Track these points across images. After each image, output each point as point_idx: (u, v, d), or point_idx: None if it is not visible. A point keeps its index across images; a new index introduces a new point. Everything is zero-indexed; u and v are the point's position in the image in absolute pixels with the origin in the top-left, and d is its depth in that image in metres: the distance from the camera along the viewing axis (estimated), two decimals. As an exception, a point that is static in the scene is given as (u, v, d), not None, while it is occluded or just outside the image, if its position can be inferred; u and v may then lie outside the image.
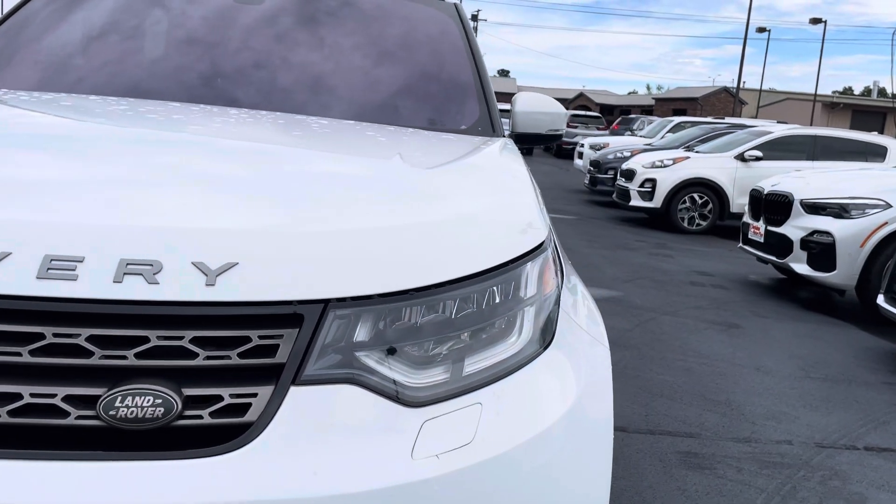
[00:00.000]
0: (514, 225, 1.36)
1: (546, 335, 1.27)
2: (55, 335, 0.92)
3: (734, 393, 4.07)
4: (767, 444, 3.40)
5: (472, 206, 1.37)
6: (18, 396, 0.90)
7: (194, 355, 0.96)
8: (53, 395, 0.91)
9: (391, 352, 1.07)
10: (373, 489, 0.96)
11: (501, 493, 1.08)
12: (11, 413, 0.90)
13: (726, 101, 48.89)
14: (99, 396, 0.92)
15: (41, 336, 0.92)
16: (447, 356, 1.12)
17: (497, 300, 1.22)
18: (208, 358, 0.96)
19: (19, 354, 0.91)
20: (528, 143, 2.64)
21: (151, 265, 0.97)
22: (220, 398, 0.95)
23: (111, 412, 0.91)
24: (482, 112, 2.44)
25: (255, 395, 0.97)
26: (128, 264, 0.96)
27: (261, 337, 0.98)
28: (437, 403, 1.07)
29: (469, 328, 1.17)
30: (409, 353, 1.09)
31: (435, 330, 1.12)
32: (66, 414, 0.91)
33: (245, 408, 0.96)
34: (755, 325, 5.68)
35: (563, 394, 1.23)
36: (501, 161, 1.85)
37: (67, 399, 0.91)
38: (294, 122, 1.90)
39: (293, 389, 0.98)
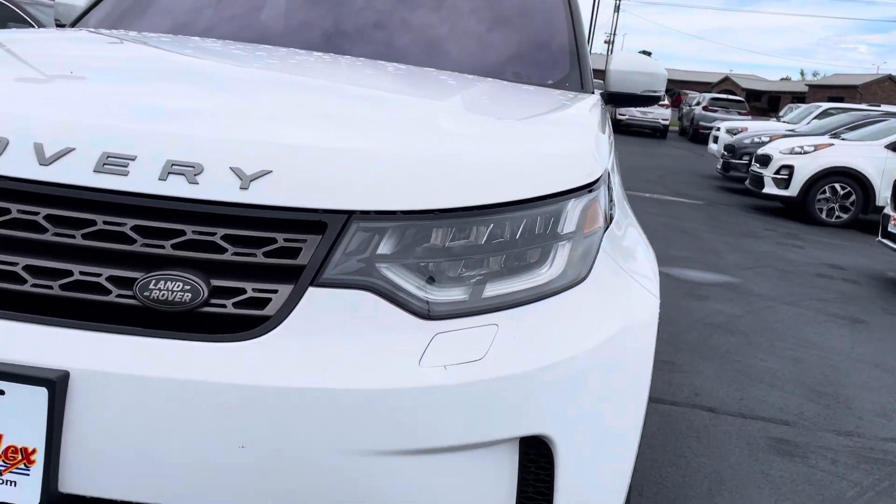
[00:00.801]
0: (561, 162, 1.36)
1: (580, 272, 1.27)
2: (105, 223, 1.03)
3: (844, 386, 3.82)
4: (871, 440, 3.18)
5: (519, 141, 1.38)
6: (69, 273, 1.02)
7: (224, 250, 1.04)
8: (99, 275, 1.02)
9: (412, 267, 1.11)
10: (376, 388, 1.01)
11: (506, 412, 1.10)
12: (63, 287, 1.02)
13: (890, 91, 45.01)
14: (136, 279, 1.02)
15: (93, 223, 1.03)
16: (469, 278, 1.15)
17: (530, 231, 1.23)
18: (236, 254, 1.04)
19: (73, 237, 1.03)
20: (621, 103, 2.59)
21: (193, 167, 1.05)
22: (243, 291, 1.03)
23: (146, 293, 1.01)
24: (573, 68, 2.41)
25: (275, 291, 1.04)
26: (173, 165, 1.05)
27: (286, 240, 1.05)
28: (452, 319, 1.10)
29: (496, 254, 1.19)
30: (431, 270, 1.13)
31: (460, 251, 1.15)
32: (108, 292, 1.02)
33: (265, 302, 1.03)
34: (883, 322, 5.28)
35: (589, 330, 1.23)
36: (572, 110, 1.83)
37: (110, 279, 1.02)
38: (371, 65, 1.97)
39: (311, 290, 1.04)
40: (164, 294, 1.00)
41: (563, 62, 2.42)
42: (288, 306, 1.03)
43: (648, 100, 2.58)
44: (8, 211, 1.03)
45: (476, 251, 1.16)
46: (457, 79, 1.98)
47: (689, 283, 5.66)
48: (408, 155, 1.17)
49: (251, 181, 1.06)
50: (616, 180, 1.84)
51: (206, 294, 1.01)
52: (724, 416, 3.28)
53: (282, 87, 1.47)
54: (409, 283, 1.10)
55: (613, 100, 2.56)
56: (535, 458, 1.17)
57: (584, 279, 1.27)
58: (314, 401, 0.99)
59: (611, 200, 1.52)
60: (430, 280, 1.12)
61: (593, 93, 2.37)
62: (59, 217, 1.03)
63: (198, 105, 1.22)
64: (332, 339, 1.03)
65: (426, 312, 1.08)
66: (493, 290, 1.16)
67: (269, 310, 1.03)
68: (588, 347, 1.20)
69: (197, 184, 1.05)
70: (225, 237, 1.04)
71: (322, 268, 1.05)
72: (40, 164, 1.04)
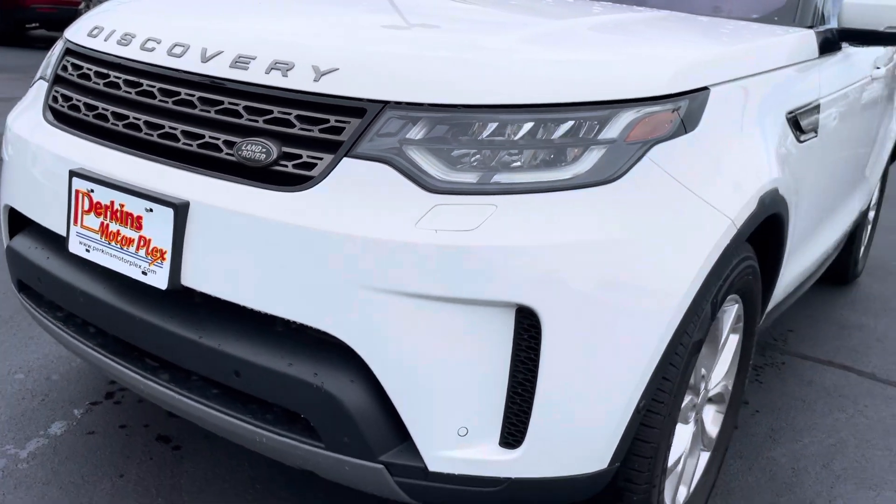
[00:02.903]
0: (613, 73, 1.44)
1: (608, 173, 1.36)
2: (229, 103, 1.45)
3: None
4: None
5: (574, 50, 1.52)
6: (202, 136, 1.46)
7: (293, 125, 1.39)
8: (218, 138, 1.44)
9: (436, 151, 1.34)
10: (375, 238, 1.28)
11: (489, 277, 1.28)
12: (199, 146, 1.46)
13: None
14: (236, 142, 1.42)
15: (221, 102, 1.46)
16: (485, 165, 1.34)
17: (561, 132, 1.36)
18: (301, 129, 1.38)
19: (209, 112, 1.47)
20: (858, 41, 2.34)
21: (287, 64, 1.42)
22: (300, 156, 1.37)
23: (240, 152, 1.40)
24: (790, 2, 2.27)
25: (321, 158, 1.36)
26: (276, 62, 1.43)
27: (336, 121, 1.36)
28: (455, 195, 1.31)
29: (520, 149, 1.35)
30: (453, 155, 1.34)
31: (481, 143, 1.34)
32: (220, 150, 1.44)
33: (313, 166, 1.36)
34: None
35: (593, 226, 1.33)
36: (696, 34, 1.83)
37: (224, 142, 1.44)
38: None
39: (345, 160, 1.34)
40: (250, 154, 1.39)
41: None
42: (327, 170, 1.34)
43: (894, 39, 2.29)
44: (178, 93, 1.51)
45: (500, 145, 1.34)
46: (603, 7, 2.05)
47: None
48: (441, 56, 1.40)
49: (322, 76, 1.38)
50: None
51: (276, 156, 1.38)
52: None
53: (357, 6, 1.81)
54: (427, 163, 1.32)
55: (848, 37, 2.32)
56: (529, 329, 1.33)
57: (611, 181, 1.36)
58: (328, 239, 1.30)
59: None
60: (450, 163, 1.33)
61: (812, 27, 2.21)
62: (204, 98, 1.48)
63: (294, 19, 1.63)
64: (354, 197, 1.32)
65: (432, 187, 1.31)
66: (504, 177, 1.33)
67: (315, 171, 1.35)
68: (583, 240, 1.31)
69: (286, 77, 1.41)
70: (297, 116, 1.39)
71: (356, 144, 1.34)
72: (201, 62, 1.50)
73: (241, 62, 1.46)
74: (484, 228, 1.28)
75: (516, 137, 1.35)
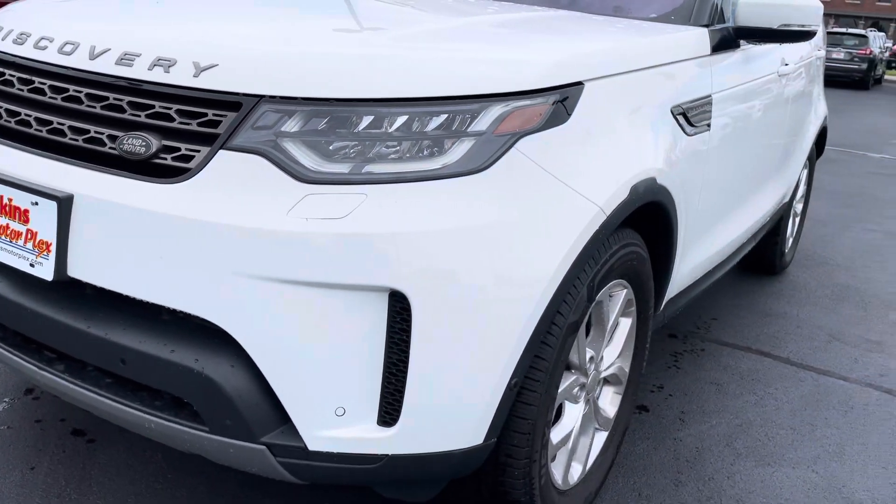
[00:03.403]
0: (493, 70, 1.51)
1: (476, 164, 1.43)
2: (113, 98, 1.50)
3: None
4: None
5: (445, 45, 1.62)
6: (88, 131, 1.51)
7: (173, 119, 1.44)
8: (102, 133, 1.49)
9: (310, 143, 1.40)
10: (246, 227, 1.34)
11: (358, 263, 1.34)
12: (84, 140, 1.51)
13: None
14: (119, 136, 1.47)
15: (106, 98, 1.51)
16: (359, 157, 1.40)
17: (431, 125, 1.43)
18: (180, 123, 1.44)
19: (94, 107, 1.51)
20: (754, 39, 2.45)
21: (169, 61, 1.47)
22: (178, 149, 1.43)
23: (122, 146, 1.45)
24: (686, 2, 2.36)
25: (198, 151, 1.41)
26: (159, 59, 1.48)
27: (213, 114, 1.42)
28: (326, 185, 1.37)
29: (393, 141, 1.42)
30: (327, 147, 1.40)
31: (354, 135, 1.40)
32: (104, 143, 1.49)
33: (191, 158, 1.42)
34: None
35: (459, 213, 1.40)
36: (572, 29, 1.92)
37: (109, 136, 1.49)
38: None
39: (221, 152, 1.39)
40: (131, 147, 1.44)
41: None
42: (203, 163, 1.40)
43: (788, 36, 2.40)
44: (66, 90, 1.56)
45: (372, 137, 1.41)
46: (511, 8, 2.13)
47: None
48: (316, 51, 1.47)
49: (202, 71, 1.44)
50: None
51: (155, 149, 1.43)
52: (901, 400, 2.91)
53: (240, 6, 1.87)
54: (302, 155, 1.38)
55: (743, 35, 2.43)
56: (401, 312, 1.40)
57: (479, 171, 1.43)
58: (203, 228, 1.35)
59: None
60: (325, 154, 1.40)
61: (708, 27, 2.31)
62: (91, 94, 1.52)
63: (178, 20, 1.69)
64: (229, 188, 1.38)
65: (304, 177, 1.37)
66: (375, 168, 1.40)
67: (192, 164, 1.41)
68: (450, 227, 1.38)
69: (168, 73, 1.46)
70: (178, 111, 1.44)
71: (231, 136, 1.40)
72: (89, 59, 1.54)
73: (126, 59, 1.51)
74: (353, 216, 1.35)
75: (390, 130, 1.42)
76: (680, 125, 2.03)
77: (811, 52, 3.80)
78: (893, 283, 4.34)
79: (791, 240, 4.40)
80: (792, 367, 3.14)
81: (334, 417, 1.42)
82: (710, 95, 2.22)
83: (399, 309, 1.39)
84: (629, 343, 2.08)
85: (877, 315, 3.82)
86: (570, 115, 1.59)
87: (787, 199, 3.79)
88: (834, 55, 21.06)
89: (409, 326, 1.39)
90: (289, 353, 1.38)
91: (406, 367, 1.40)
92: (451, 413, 1.46)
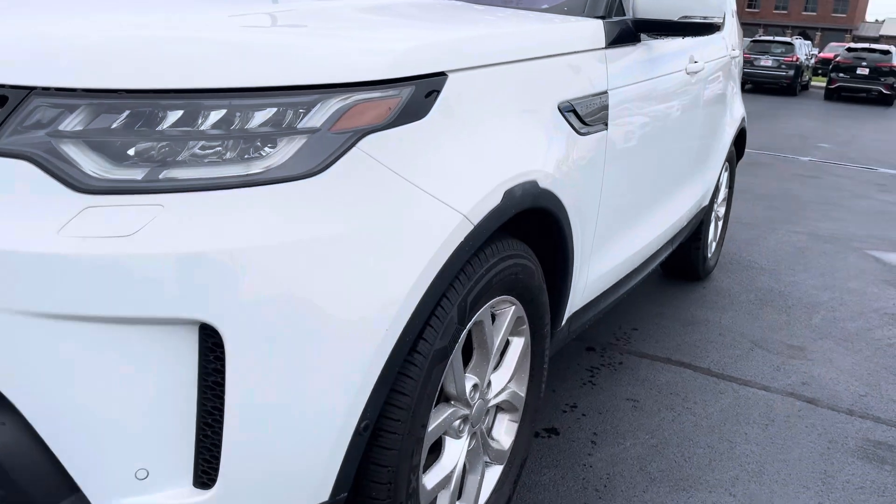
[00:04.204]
0: (332, 57, 1.28)
1: (308, 167, 1.20)
2: None
3: None
4: None
5: (297, 32, 1.37)
6: None
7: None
8: None
9: (95, 144, 1.14)
10: (6, 249, 1.07)
11: (152, 291, 1.09)
12: None
13: None
14: None
15: None
16: (158, 160, 1.15)
17: (255, 122, 1.19)
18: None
19: None
20: (653, 32, 2.28)
21: None
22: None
23: None
24: (579, -9, 2.18)
25: (-43, 156, 1.15)
26: None
27: None
28: (111, 195, 1.12)
29: (203, 141, 1.17)
30: (117, 149, 1.15)
31: (161, 136, 1.16)
32: None
33: (-52, 164, 1.15)
34: None
35: (294, 230, 1.16)
36: (420, 16, 1.71)
37: None
38: None
39: None
40: None
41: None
42: None
43: (690, 29, 2.24)
44: None
45: (176, 136, 1.16)
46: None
47: (893, 269, 4.77)
48: (106, 34, 1.21)
49: None
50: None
51: None
52: (823, 410, 2.78)
53: None
54: (84, 159, 1.13)
55: (643, 28, 2.26)
56: (214, 349, 1.15)
57: (311, 175, 1.20)
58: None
59: None
60: (115, 158, 1.14)
61: (604, 18, 2.13)
62: None
63: None
64: (-7, 200, 1.12)
65: (84, 186, 1.11)
66: (178, 173, 1.15)
67: None
68: (273, 243, 1.14)
69: None
70: None
71: None
72: None
73: None
74: (145, 233, 1.10)
75: (203, 127, 1.18)
76: (570, 123, 1.84)
77: (725, 53, 3.69)
78: (816, 286, 4.27)
79: (714, 244, 4.29)
80: (712, 378, 2.99)
81: (136, 482, 1.16)
82: (605, 92, 2.04)
83: (211, 345, 1.15)
84: (523, 365, 1.87)
85: (799, 319, 3.72)
86: (429, 109, 1.37)
87: (706, 203, 3.66)
88: (762, 62, 21.59)
89: (224, 366, 1.14)
90: (68, 405, 1.12)
91: (223, 415, 1.16)
92: (281, 468, 1.22)
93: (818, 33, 65.61)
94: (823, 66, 27.69)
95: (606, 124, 2.03)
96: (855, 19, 68.34)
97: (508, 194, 1.49)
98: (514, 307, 1.73)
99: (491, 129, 1.53)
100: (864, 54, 21.16)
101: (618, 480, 2.23)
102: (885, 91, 20.55)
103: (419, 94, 1.36)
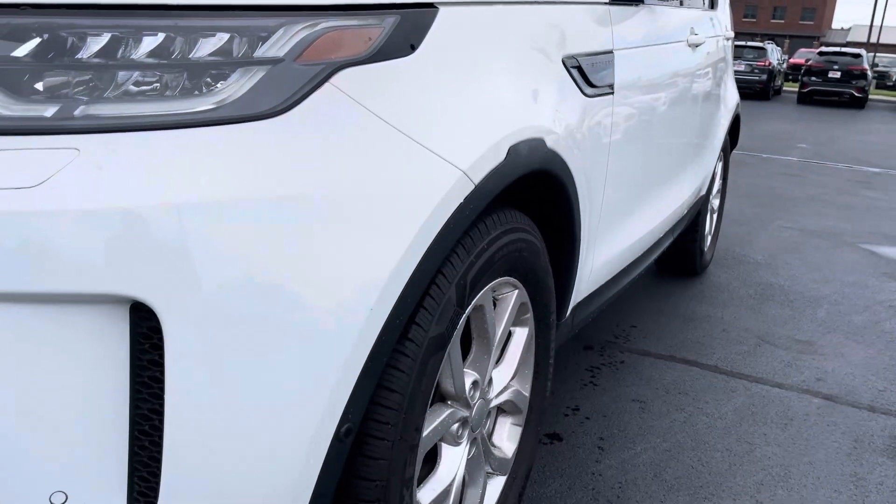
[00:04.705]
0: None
1: (270, 104, 0.95)
2: None
3: None
4: None
5: None
6: None
7: None
8: None
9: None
10: None
11: (62, 258, 0.84)
12: None
13: None
14: None
15: None
16: (78, 93, 0.90)
17: (205, 50, 0.94)
18: None
19: None
20: None
21: None
22: None
23: None
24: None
25: None
26: None
27: None
28: (14, 136, 0.86)
29: (139, 73, 0.92)
30: (25, 81, 0.89)
31: (81, 65, 0.90)
32: None
33: None
34: None
35: (249, 183, 0.91)
36: None
37: None
38: None
39: None
40: None
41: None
42: None
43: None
44: None
45: (102, 67, 0.91)
46: None
47: (890, 262, 4.61)
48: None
49: None
50: None
51: None
52: (843, 407, 2.56)
53: None
54: (-23, 92, 0.88)
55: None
56: (151, 335, 0.90)
57: (272, 115, 0.95)
58: None
59: None
60: (21, 91, 0.89)
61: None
62: None
63: None
64: None
65: (-28, 125, 0.86)
66: (102, 109, 0.89)
67: None
68: (222, 199, 0.89)
69: None
70: None
71: None
72: None
73: None
74: (52, 184, 0.84)
75: (136, 55, 0.92)
76: (575, 81, 1.61)
77: (721, 33, 3.50)
78: (816, 279, 4.08)
79: (710, 237, 4.09)
80: (721, 375, 2.76)
81: (50, 507, 0.89)
82: (611, 51, 1.82)
83: (147, 330, 0.89)
84: (526, 360, 1.62)
85: (804, 313, 3.52)
86: (418, 44, 1.13)
87: (703, 192, 3.46)
88: (735, 67, 21.67)
89: (163, 357, 0.88)
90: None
91: (163, 419, 0.90)
92: (243, 484, 0.96)
93: (786, 41, 66.57)
94: (794, 72, 27.91)
95: (612, 88, 1.81)
96: (822, 27, 69.48)
97: (514, 151, 1.25)
98: (517, 291, 1.48)
99: (491, 76, 1.29)
100: (836, 58, 21.30)
101: (631, 489, 1.98)
102: (856, 94, 20.69)
103: (406, 24, 1.11)
